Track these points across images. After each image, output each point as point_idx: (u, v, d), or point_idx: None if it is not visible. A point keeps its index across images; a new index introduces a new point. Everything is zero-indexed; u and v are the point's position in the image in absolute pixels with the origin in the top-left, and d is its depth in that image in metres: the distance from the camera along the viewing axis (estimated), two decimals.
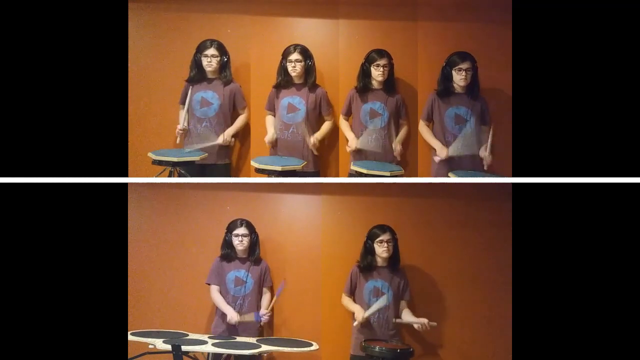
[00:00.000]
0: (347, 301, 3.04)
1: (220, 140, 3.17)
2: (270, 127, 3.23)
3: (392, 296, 2.97)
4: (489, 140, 3.00)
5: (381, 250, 2.97)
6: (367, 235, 3.01)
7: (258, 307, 3.06)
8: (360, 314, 2.90)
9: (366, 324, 2.94)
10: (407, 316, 2.97)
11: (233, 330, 3.00)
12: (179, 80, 3.27)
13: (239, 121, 3.28)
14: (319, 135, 3.20)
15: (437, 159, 3.07)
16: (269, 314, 3.04)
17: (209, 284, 3.10)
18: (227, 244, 3.09)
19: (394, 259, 3.01)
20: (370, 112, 3.16)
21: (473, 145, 3.04)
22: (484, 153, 3.01)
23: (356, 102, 3.18)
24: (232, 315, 2.97)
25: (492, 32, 3.21)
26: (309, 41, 3.22)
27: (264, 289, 3.11)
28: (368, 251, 3.00)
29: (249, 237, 3.07)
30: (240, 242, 3.05)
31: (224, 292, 3.07)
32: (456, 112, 3.09)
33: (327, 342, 3.14)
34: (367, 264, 3.00)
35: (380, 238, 2.97)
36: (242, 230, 3.06)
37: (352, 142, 3.14)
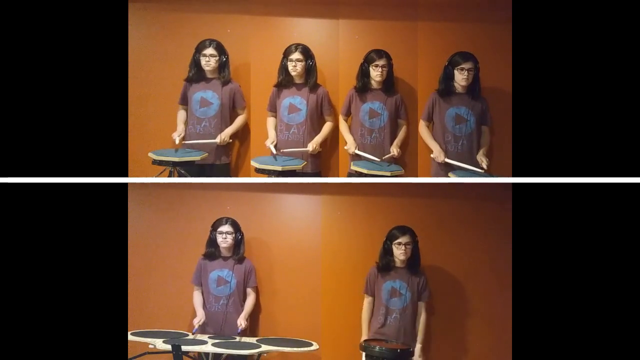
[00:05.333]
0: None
1: (217, 140, 3.17)
2: (271, 130, 3.23)
3: (410, 298, 2.97)
4: (487, 143, 3.04)
5: (399, 252, 2.96)
6: (386, 236, 3.00)
7: (242, 308, 3.04)
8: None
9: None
10: (421, 323, 2.98)
11: (218, 330, 3.01)
12: (178, 80, 3.27)
13: (238, 121, 3.28)
14: (319, 138, 3.19)
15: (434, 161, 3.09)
16: (246, 325, 2.97)
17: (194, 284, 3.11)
18: (211, 242, 3.09)
19: (413, 261, 2.99)
20: (369, 111, 3.16)
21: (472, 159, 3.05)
22: (481, 157, 3.02)
23: (355, 102, 3.19)
24: (200, 318, 2.97)
25: (492, 32, 3.22)
26: (309, 41, 3.22)
27: (248, 290, 3.09)
28: (386, 252, 2.99)
29: (233, 236, 3.06)
30: (224, 239, 3.04)
31: (206, 292, 3.07)
32: (457, 112, 3.09)
33: (327, 342, 3.14)
34: (384, 264, 2.99)
35: (398, 240, 2.96)
36: (226, 227, 3.05)
37: (351, 145, 3.14)
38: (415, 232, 2.98)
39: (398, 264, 2.99)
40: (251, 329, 3.16)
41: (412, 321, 2.97)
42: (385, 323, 2.96)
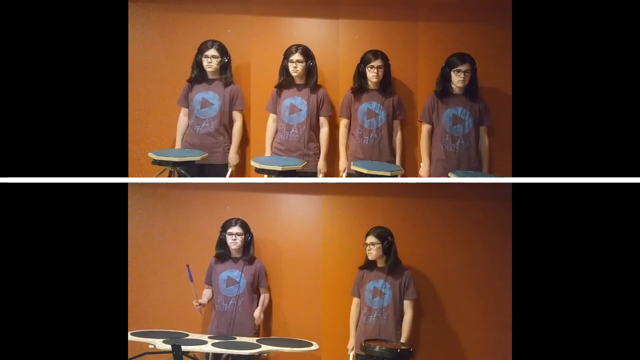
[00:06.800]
0: (352, 315, 3.07)
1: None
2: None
3: (392, 296, 2.97)
4: (486, 149, 3.10)
5: (367, 252, 3.00)
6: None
7: (252, 308, 3.06)
8: (351, 343, 3.01)
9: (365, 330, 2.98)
10: (405, 323, 2.97)
11: (227, 330, 3.02)
12: (179, 80, 3.27)
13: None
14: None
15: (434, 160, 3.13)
16: (259, 320, 3.03)
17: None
18: (222, 243, 3.10)
19: (390, 260, 3.00)
20: (367, 112, 3.17)
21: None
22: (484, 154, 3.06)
23: (353, 103, 3.19)
24: (203, 301, 3.06)
25: (492, 32, 3.22)
26: (309, 41, 3.22)
27: (261, 289, 3.12)
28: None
29: (243, 237, 3.07)
30: (233, 240, 3.06)
31: (215, 292, 3.08)
32: (454, 113, 3.10)
33: (327, 342, 3.14)
34: (366, 264, 3.04)
35: (365, 241, 3.00)
36: (236, 229, 3.06)
37: (343, 169, 3.20)
38: (391, 231, 2.99)
39: (379, 263, 3.01)
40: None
41: (395, 320, 2.97)
42: (367, 323, 2.97)
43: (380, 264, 3.02)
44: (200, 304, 3.02)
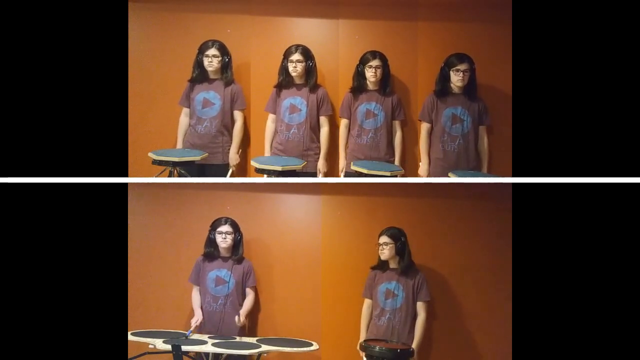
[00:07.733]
0: (363, 317, 3.06)
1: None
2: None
3: (404, 298, 2.97)
4: (486, 150, 3.12)
5: (380, 252, 2.99)
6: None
7: (240, 308, 3.02)
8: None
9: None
10: (418, 324, 2.96)
11: (216, 330, 3.01)
12: (179, 80, 3.28)
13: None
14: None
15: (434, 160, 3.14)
16: (244, 322, 2.97)
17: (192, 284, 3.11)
18: (211, 242, 3.09)
19: (404, 261, 2.99)
20: (366, 112, 3.17)
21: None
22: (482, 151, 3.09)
23: (352, 103, 3.20)
24: (197, 318, 2.98)
25: (492, 32, 3.22)
26: (309, 41, 3.22)
27: (247, 289, 3.09)
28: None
29: (233, 236, 3.06)
30: (223, 239, 3.05)
31: (203, 292, 3.07)
32: (453, 112, 3.10)
33: (327, 342, 3.14)
34: (378, 264, 3.04)
35: (378, 241, 3.00)
36: (225, 227, 3.06)
37: (342, 167, 3.22)
38: (405, 232, 2.99)
39: (391, 264, 3.01)
40: (251, 329, 3.17)
41: (407, 322, 2.96)
42: (379, 324, 2.97)
43: (392, 265, 3.01)
44: (198, 323, 2.98)
